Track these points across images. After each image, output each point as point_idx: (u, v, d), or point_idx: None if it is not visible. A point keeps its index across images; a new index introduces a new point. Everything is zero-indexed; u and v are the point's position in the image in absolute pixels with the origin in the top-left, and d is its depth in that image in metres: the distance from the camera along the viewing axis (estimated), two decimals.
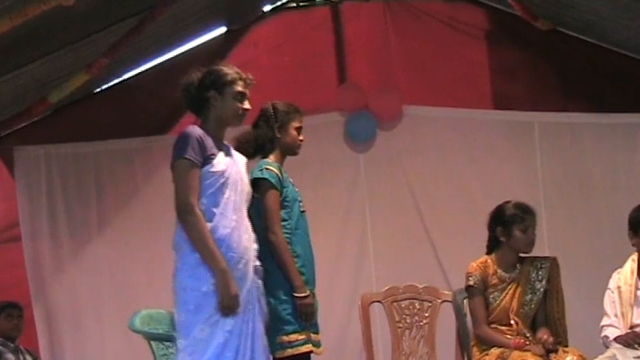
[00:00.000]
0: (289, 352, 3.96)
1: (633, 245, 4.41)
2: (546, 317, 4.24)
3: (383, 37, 6.57)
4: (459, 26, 6.57)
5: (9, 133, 6.06)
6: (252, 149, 4.11)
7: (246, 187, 3.71)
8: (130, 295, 6.03)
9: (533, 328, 4.23)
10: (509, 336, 4.16)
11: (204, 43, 6.55)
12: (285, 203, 4.06)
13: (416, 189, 6.35)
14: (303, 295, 3.96)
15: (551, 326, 4.22)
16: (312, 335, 4.04)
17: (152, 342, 3.90)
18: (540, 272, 4.24)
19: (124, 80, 6.44)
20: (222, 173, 3.57)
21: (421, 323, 4.75)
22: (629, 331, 4.25)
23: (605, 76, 6.36)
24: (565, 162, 6.33)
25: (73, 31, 5.21)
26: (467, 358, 4.41)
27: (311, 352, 4.03)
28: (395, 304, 4.79)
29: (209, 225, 3.49)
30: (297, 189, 4.18)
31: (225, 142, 3.76)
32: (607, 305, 4.40)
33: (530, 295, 4.22)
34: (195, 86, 3.70)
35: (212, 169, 3.56)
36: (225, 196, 3.56)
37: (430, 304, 4.78)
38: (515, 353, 4.00)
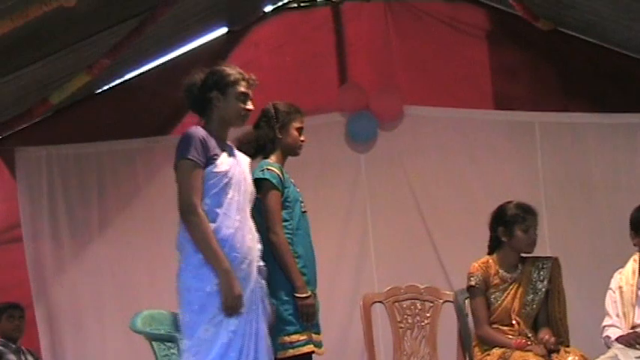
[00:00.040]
0: (291, 352, 3.96)
1: (635, 245, 4.41)
2: (548, 317, 4.24)
3: (384, 38, 6.57)
4: (460, 26, 6.57)
5: (10, 134, 6.06)
6: (254, 150, 4.11)
7: (249, 187, 3.70)
8: (132, 295, 6.03)
9: (535, 328, 4.23)
10: (510, 336, 4.16)
11: (206, 43, 6.55)
12: (287, 204, 4.06)
13: (417, 189, 6.35)
14: (304, 295, 3.96)
15: (553, 326, 4.22)
16: (313, 336, 4.04)
17: (153, 342, 3.89)
18: (542, 272, 4.24)
19: (125, 81, 6.44)
20: (225, 173, 3.57)
21: (423, 323, 4.75)
22: (630, 331, 4.25)
23: (606, 76, 6.36)
24: (566, 162, 6.33)
25: (75, 32, 5.21)
26: (468, 359, 4.42)
27: (312, 352, 4.04)
28: (396, 304, 4.79)
29: (212, 225, 3.49)
30: (298, 189, 4.18)
31: (229, 143, 3.76)
32: (608, 305, 4.40)
33: (531, 295, 4.22)
34: (198, 87, 3.70)
35: (215, 170, 3.56)
36: (229, 196, 3.56)
37: (432, 305, 4.78)
38: (517, 353, 4.00)
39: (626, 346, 4.16)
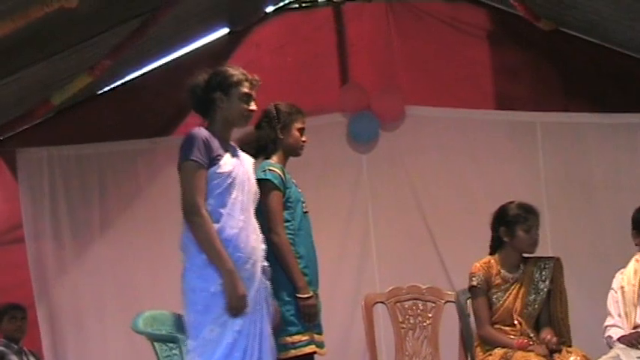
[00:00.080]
0: (292, 352, 3.96)
1: (636, 245, 4.41)
2: (550, 317, 4.24)
3: (385, 38, 6.57)
4: (462, 27, 6.57)
5: (12, 135, 6.07)
6: (255, 150, 4.10)
7: (253, 188, 3.70)
8: (133, 295, 6.03)
9: (537, 328, 4.22)
10: (512, 336, 4.16)
11: (207, 44, 6.56)
12: (288, 204, 4.06)
13: (418, 189, 6.35)
14: (306, 296, 3.96)
15: (555, 326, 4.21)
16: (315, 336, 4.04)
17: (155, 343, 3.89)
18: (544, 272, 4.24)
19: (126, 82, 6.44)
20: (228, 174, 3.57)
21: (424, 324, 4.75)
22: (632, 331, 4.25)
23: (607, 76, 6.36)
24: (567, 162, 6.34)
25: (76, 33, 5.22)
26: (470, 359, 4.41)
27: (314, 352, 4.03)
28: (398, 304, 4.79)
29: (216, 226, 3.49)
30: (300, 190, 4.18)
31: (232, 143, 3.76)
32: (610, 305, 4.40)
33: (533, 296, 4.22)
34: (201, 88, 3.70)
35: (219, 170, 3.56)
36: (233, 196, 3.56)
37: (433, 305, 4.78)
38: (519, 353, 4.00)
39: (628, 346, 4.16)
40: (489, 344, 4.19)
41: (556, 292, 4.24)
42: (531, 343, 4.10)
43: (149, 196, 6.22)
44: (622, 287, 4.38)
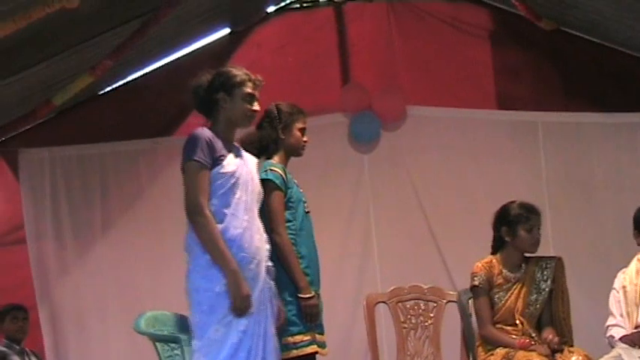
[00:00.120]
0: (294, 353, 3.96)
1: (638, 244, 4.41)
2: (551, 317, 4.23)
3: (386, 38, 6.57)
4: (463, 26, 6.57)
5: (14, 135, 6.07)
6: (256, 150, 4.10)
7: (257, 188, 3.70)
8: (135, 296, 6.04)
9: (539, 328, 4.22)
10: (514, 336, 4.15)
11: (208, 44, 6.56)
12: (290, 204, 4.06)
13: (420, 189, 6.35)
14: (308, 296, 3.96)
15: (557, 326, 4.21)
16: (317, 336, 4.04)
17: (157, 343, 3.89)
18: (545, 272, 4.24)
19: (128, 82, 6.45)
20: (232, 174, 3.57)
21: (426, 324, 4.75)
22: (634, 330, 4.25)
23: (609, 76, 6.36)
24: (569, 162, 6.34)
25: (77, 33, 5.22)
26: (472, 359, 4.41)
27: (316, 352, 4.04)
28: (400, 304, 4.79)
29: (220, 226, 3.49)
30: (301, 190, 4.18)
31: (235, 144, 3.76)
32: (612, 305, 4.40)
33: (535, 295, 4.21)
34: (205, 88, 3.70)
35: (222, 171, 3.56)
36: (237, 196, 3.56)
37: (435, 305, 4.77)
38: (521, 353, 4.00)
39: (630, 345, 4.16)
40: (491, 344, 4.18)
41: (558, 292, 4.24)
42: (533, 342, 4.09)
43: (151, 197, 6.22)
44: (624, 287, 4.38)
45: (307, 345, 3.98)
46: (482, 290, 4.23)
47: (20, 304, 5.77)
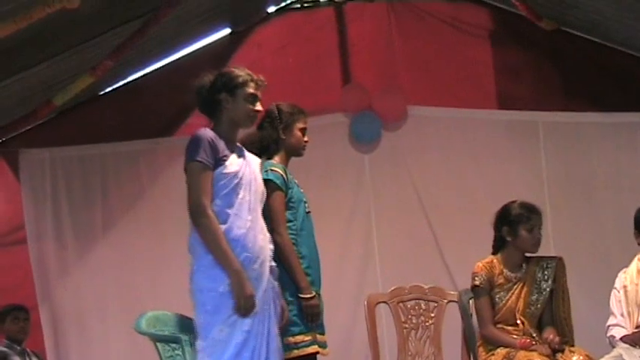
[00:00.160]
0: (295, 353, 3.96)
1: (639, 244, 4.40)
2: (552, 317, 4.23)
3: (387, 38, 6.57)
4: (463, 26, 6.58)
5: (14, 135, 6.08)
6: (257, 151, 4.09)
7: (260, 187, 3.70)
8: (135, 296, 6.04)
9: (540, 327, 4.22)
10: (515, 336, 4.15)
11: (209, 44, 6.56)
12: (291, 204, 4.06)
13: (421, 189, 6.35)
14: (309, 296, 3.96)
15: (558, 326, 4.21)
16: (318, 336, 4.04)
17: (158, 344, 3.88)
18: (546, 272, 4.24)
19: (128, 82, 6.45)
20: (235, 174, 3.57)
21: (427, 324, 4.74)
22: (635, 330, 4.24)
23: (609, 76, 6.36)
24: (569, 161, 6.33)
25: (78, 33, 5.22)
26: (473, 359, 4.41)
27: (317, 353, 4.04)
28: (401, 304, 4.78)
29: (223, 226, 3.49)
30: (302, 190, 4.18)
31: (238, 144, 3.76)
32: (613, 305, 4.40)
33: (536, 295, 4.22)
34: (207, 89, 3.70)
35: (225, 171, 3.56)
36: (240, 196, 3.56)
37: (436, 305, 4.77)
38: (522, 353, 4.00)
39: (630, 345, 4.16)
40: (492, 344, 4.19)
41: (558, 292, 4.24)
42: (534, 342, 4.09)
43: (151, 197, 6.23)
44: (625, 286, 4.38)
45: (308, 345, 3.98)
46: (483, 290, 4.23)
47: (21, 304, 5.77)
